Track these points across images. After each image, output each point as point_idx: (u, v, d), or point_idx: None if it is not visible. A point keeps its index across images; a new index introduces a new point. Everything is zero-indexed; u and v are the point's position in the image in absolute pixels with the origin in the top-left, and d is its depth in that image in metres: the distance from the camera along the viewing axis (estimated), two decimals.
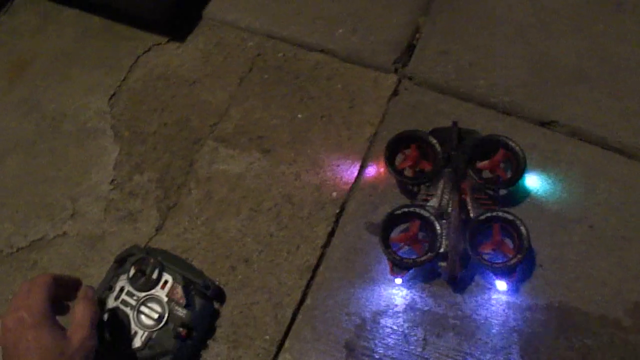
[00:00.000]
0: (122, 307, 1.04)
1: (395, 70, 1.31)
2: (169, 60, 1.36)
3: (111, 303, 1.04)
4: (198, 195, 1.20)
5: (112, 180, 1.23)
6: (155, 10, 1.36)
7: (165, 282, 1.05)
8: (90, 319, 0.92)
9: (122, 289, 1.05)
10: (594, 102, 1.24)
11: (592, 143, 1.21)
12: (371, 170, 1.20)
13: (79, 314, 0.93)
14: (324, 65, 1.32)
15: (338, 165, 1.20)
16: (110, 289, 1.05)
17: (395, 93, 1.28)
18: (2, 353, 0.86)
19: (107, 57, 1.38)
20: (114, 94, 1.33)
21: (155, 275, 1.05)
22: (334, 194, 1.18)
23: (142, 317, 1.03)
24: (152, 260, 1.06)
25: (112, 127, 1.29)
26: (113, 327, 1.02)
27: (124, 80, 1.34)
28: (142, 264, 1.06)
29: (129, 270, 1.06)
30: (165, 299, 1.03)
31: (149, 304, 1.04)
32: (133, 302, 1.04)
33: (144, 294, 1.04)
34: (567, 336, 1.05)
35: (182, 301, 1.03)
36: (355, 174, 1.19)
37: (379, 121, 1.24)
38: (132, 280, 1.05)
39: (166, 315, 1.02)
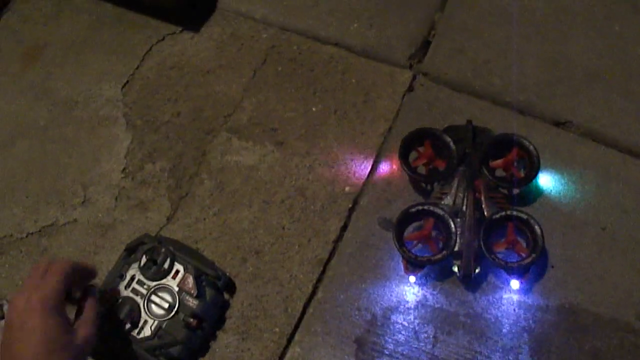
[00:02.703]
0: (132, 295, 1.04)
1: (410, 66, 1.30)
2: (182, 49, 1.36)
3: (122, 291, 1.04)
4: (210, 185, 1.20)
5: (124, 169, 1.23)
6: (170, 0, 1.36)
7: (177, 272, 1.05)
8: (96, 317, 0.93)
9: (133, 278, 1.05)
10: (608, 103, 1.24)
11: (607, 144, 1.21)
12: (385, 166, 1.19)
13: (88, 310, 0.93)
14: (338, 59, 1.32)
15: (351, 160, 1.20)
16: (122, 277, 1.05)
17: (410, 89, 1.27)
18: (5, 331, 0.86)
19: (120, 45, 1.38)
20: (127, 82, 1.32)
21: (166, 265, 1.05)
22: (347, 188, 1.17)
23: (153, 306, 1.03)
24: (163, 250, 1.05)
25: (124, 115, 1.28)
26: (123, 316, 1.02)
27: (137, 68, 1.34)
28: (153, 253, 1.06)
29: (140, 259, 1.06)
30: (176, 289, 1.03)
31: (160, 294, 1.03)
32: (144, 291, 1.04)
33: (154, 283, 1.04)
34: (577, 337, 1.05)
35: (193, 291, 1.03)
36: (369, 169, 1.19)
37: (393, 117, 1.24)
38: (143, 269, 1.05)
39: (177, 305, 1.02)
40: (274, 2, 1.39)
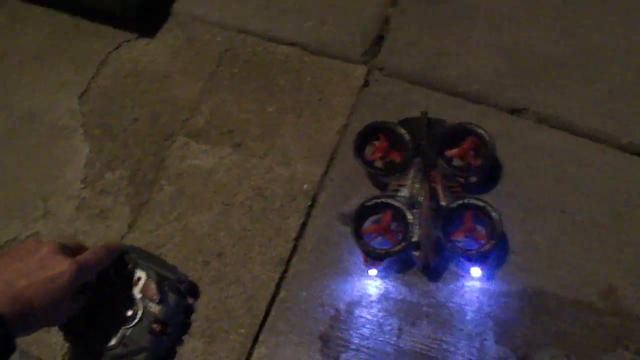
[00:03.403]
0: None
1: (365, 62, 1.31)
2: (138, 56, 1.36)
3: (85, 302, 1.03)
4: (170, 191, 1.20)
5: (84, 179, 1.22)
6: (124, 7, 1.36)
7: (139, 278, 1.04)
8: (97, 257, 0.98)
9: None
10: (564, 89, 1.25)
11: (563, 129, 1.22)
12: (341, 162, 1.20)
13: (90, 250, 0.99)
14: (293, 58, 1.32)
15: (309, 158, 1.20)
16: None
17: (365, 84, 1.28)
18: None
19: (76, 55, 1.38)
20: (84, 92, 1.32)
21: (128, 272, 1.04)
22: (305, 186, 1.18)
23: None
24: (125, 257, 1.05)
25: (82, 125, 1.28)
26: (87, 326, 1.01)
27: (93, 77, 1.34)
28: (115, 261, 1.05)
29: None
30: (139, 296, 1.03)
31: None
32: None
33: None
34: (541, 321, 1.06)
35: (156, 297, 1.03)
36: (326, 165, 1.20)
37: (349, 113, 1.24)
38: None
39: (140, 311, 1.02)
40: (227, 5, 1.40)
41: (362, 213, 1.08)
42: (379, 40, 1.33)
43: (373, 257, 1.06)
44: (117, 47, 1.37)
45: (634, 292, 1.08)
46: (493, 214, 1.05)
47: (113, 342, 1.01)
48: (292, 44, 1.34)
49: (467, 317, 1.07)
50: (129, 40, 1.38)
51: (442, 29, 1.33)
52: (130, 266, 1.05)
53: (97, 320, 1.02)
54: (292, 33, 1.34)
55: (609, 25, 1.32)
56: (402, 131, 1.13)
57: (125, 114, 1.28)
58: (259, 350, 1.06)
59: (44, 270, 0.89)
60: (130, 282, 1.04)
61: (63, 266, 0.90)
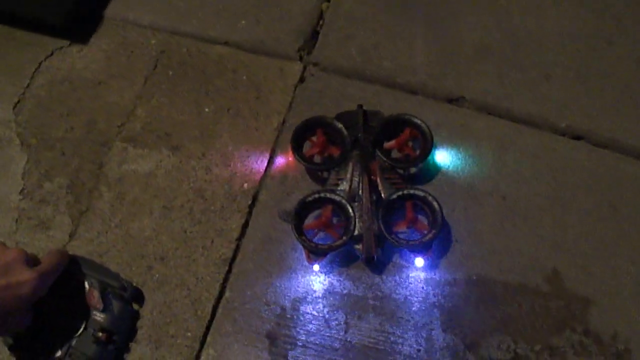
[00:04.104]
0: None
1: (301, 58, 1.31)
2: (72, 63, 1.33)
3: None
4: (109, 197, 1.18)
5: (22, 190, 1.20)
6: (55, 14, 1.34)
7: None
8: (53, 265, 0.97)
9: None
10: (500, 76, 1.26)
11: (500, 116, 1.23)
12: (281, 159, 1.20)
13: (46, 259, 0.98)
14: (228, 57, 1.31)
15: (248, 157, 1.20)
16: None
17: (301, 80, 1.28)
18: None
19: (8, 65, 1.35)
20: (18, 102, 1.30)
21: (72, 282, 1.03)
22: (245, 185, 1.17)
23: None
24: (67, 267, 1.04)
25: (18, 135, 1.25)
26: (31, 339, 1.00)
27: (27, 87, 1.31)
28: None
29: None
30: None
31: None
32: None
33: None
34: (488, 307, 1.07)
35: (100, 305, 1.01)
36: (265, 163, 1.19)
37: (286, 110, 1.24)
38: None
39: (84, 321, 1.01)
40: (161, 8, 1.38)
41: (303, 209, 1.08)
42: (314, 35, 1.33)
43: (315, 253, 1.06)
44: (50, 55, 1.35)
45: (577, 275, 1.09)
46: (434, 203, 1.06)
47: (59, 353, 0.99)
48: (226, 44, 1.33)
49: (413, 308, 1.07)
50: (61, 47, 1.36)
51: (376, 22, 1.34)
52: (73, 275, 1.03)
53: (42, 332, 1.00)
54: (226, 32, 1.34)
55: (541, 11, 1.34)
56: (339, 125, 1.13)
57: (62, 122, 1.26)
58: (207, 352, 1.06)
59: (7, 276, 0.88)
60: (74, 292, 1.02)
61: (26, 275, 0.90)
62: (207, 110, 1.25)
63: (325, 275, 1.10)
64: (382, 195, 1.08)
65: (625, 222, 1.14)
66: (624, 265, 1.10)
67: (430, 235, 1.04)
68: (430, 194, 1.06)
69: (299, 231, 1.06)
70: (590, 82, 1.26)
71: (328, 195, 1.08)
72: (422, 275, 1.09)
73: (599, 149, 1.20)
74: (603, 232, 1.13)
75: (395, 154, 1.16)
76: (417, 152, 1.14)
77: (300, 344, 1.05)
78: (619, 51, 1.29)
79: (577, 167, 1.18)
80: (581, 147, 1.20)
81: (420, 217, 1.09)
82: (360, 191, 1.08)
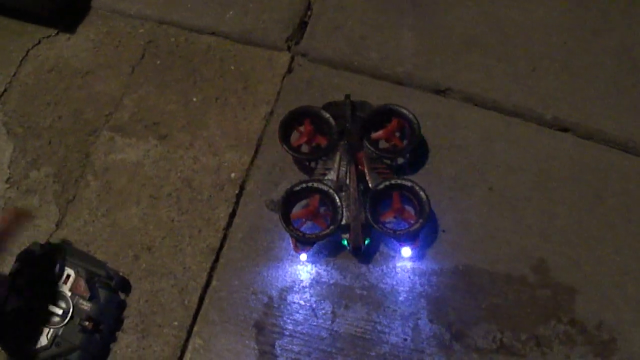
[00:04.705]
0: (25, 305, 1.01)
1: (289, 48, 1.31)
2: (60, 52, 1.33)
3: (14, 303, 1.02)
4: (96, 186, 1.18)
5: (8, 179, 1.20)
6: (42, 3, 1.33)
7: (68, 276, 1.03)
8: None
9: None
10: (486, 67, 1.27)
11: (487, 107, 1.23)
12: (268, 149, 1.19)
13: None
14: (216, 47, 1.31)
15: (235, 146, 1.20)
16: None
17: (289, 70, 1.28)
18: None
19: None
20: (4, 91, 1.29)
21: (56, 271, 1.03)
22: (233, 174, 1.17)
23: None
24: (52, 255, 1.03)
25: (4, 124, 1.25)
26: (17, 328, 1.00)
27: (14, 75, 1.31)
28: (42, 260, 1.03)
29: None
30: (69, 294, 1.02)
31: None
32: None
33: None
34: (474, 297, 1.08)
35: (86, 294, 1.01)
36: (253, 153, 1.19)
37: (274, 99, 1.25)
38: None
39: (71, 309, 1.01)
40: None
41: (290, 198, 1.08)
42: (302, 26, 1.33)
43: (303, 242, 1.06)
44: (38, 44, 1.35)
45: (563, 265, 1.10)
46: (421, 193, 1.06)
47: (45, 342, 0.99)
48: (214, 34, 1.33)
49: (400, 298, 1.08)
50: (49, 36, 1.35)
51: (364, 13, 1.34)
52: (58, 264, 1.03)
53: (27, 321, 1.00)
54: (214, 22, 1.33)
55: (527, 3, 1.34)
56: (327, 115, 1.13)
57: (49, 111, 1.26)
58: (194, 341, 1.06)
59: None
60: (59, 280, 1.02)
61: None
62: (194, 99, 1.25)
63: (313, 264, 1.10)
64: (370, 185, 1.08)
65: (610, 213, 1.14)
66: (609, 255, 1.11)
67: (417, 225, 1.04)
68: (417, 184, 1.06)
69: (287, 220, 1.06)
70: (576, 74, 1.26)
71: (315, 184, 1.08)
72: (409, 265, 1.10)
73: (585, 140, 1.21)
74: (589, 222, 1.13)
75: (382, 144, 1.16)
76: (404, 142, 1.14)
77: (288, 333, 1.05)
78: (605, 43, 1.30)
79: (564, 158, 1.18)
80: (567, 139, 1.21)
81: (407, 207, 1.10)
82: (348, 181, 1.08)
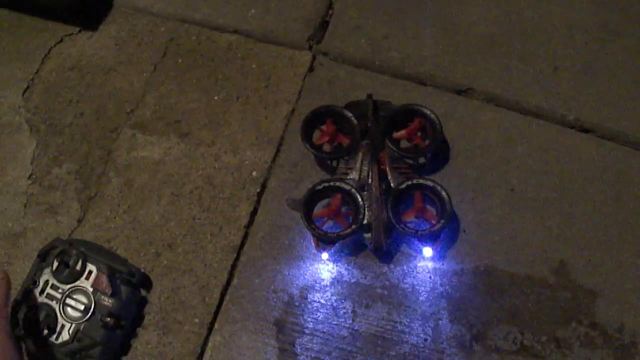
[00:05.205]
0: (47, 301, 1.02)
1: (310, 47, 1.31)
2: (81, 50, 1.34)
3: (37, 298, 1.02)
4: (118, 183, 1.19)
5: (30, 175, 1.21)
6: (65, 1, 1.34)
7: (90, 272, 1.03)
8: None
9: (46, 283, 1.03)
10: (507, 67, 1.26)
11: (508, 108, 1.23)
12: (290, 148, 1.20)
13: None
14: (238, 46, 1.31)
15: (257, 145, 1.20)
16: (35, 283, 1.03)
17: (310, 69, 1.28)
18: None
19: (18, 51, 1.35)
20: (27, 88, 1.30)
21: (78, 267, 1.03)
22: (254, 173, 1.18)
23: (69, 309, 1.01)
24: (74, 252, 1.04)
25: (27, 121, 1.26)
26: (40, 323, 1.00)
27: (37, 72, 1.31)
28: (64, 256, 1.04)
29: (52, 264, 1.04)
30: (91, 290, 1.02)
31: (75, 296, 1.02)
32: (58, 295, 1.02)
33: (68, 286, 1.03)
34: (495, 298, 1.07)
35: (108, 290, 1.02)
36: (274, 152, 1.20)
37: (295, 98, 1.25)
38: (55, 273, 1.03)
39: (92, 305, 1.01)
40: None
41: (312, 197, 1.08)
42: (324, 25, 1.33)
43: (324, 241, 1.07)
44: (60, 42, 1.35)
45: (584, 267, 1.10)
46: (442, 193, 1.06)
47: (66, 337, 1.00)
48: (236, 32, 1.33)
49: (420, 298, 1.08)
50: (71, 34, 1.36)
51: (386, 12, 1.34)
52: (81, 259, 1.03)
53: (49, 317, 1.01)
54: (236, 21, 1.34)
55: (549, 3, 1.34)
56: (349, 114, 1.14)
57: (71, 108, 1.27)
58: (214, 339, 1.06)
59: None
60: (81, 276, 1.03)
61: None
62: (216, 98, 1.26)
63: (334, 263, 1.10)
64: (391, 184, 1.08)
65: (631, 215, 1.14)
66: (630, 258, 1.10)
67: (439, 225, 1.04)
68: (439, 184, 1.06)
69: (308, 219, 1.06)
70: (598, 75, 1.26)
71: (337, 184, 1.08)
72: (430, 265, 1.10)
73: (606, 141, 1.20)
74: (610, 224, 1.13)
75: (404, 144, 1.16)
76: (426, 142, 1.14)
77: (308, 331, 1.05)
78: (627, 43, 1.29)
79: (585, 159, 1.18)
80: (589, 140, 1.21)
81: (429, 207, 1.10)
82: (370, 180, 1.08)
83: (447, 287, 1.08)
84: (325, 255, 1.09)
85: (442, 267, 1.10)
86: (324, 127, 1.16)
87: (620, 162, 1.18)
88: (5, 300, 0.93)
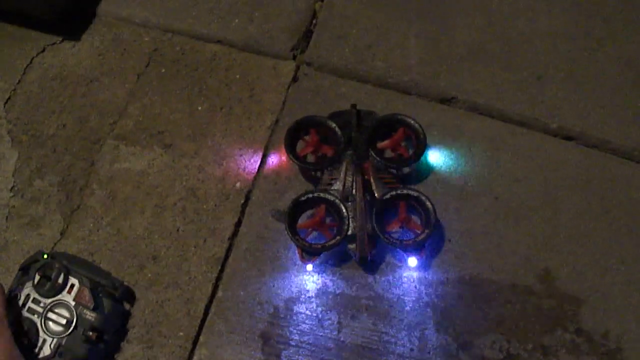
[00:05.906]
0: (28, 315, 1.01)
1: (294, 57, 1.31)
2: (64, 60, 1.33)
3: (18, 312, 1.01)
4: (101, 195, 1.18)
5: (12, 187, 1.20)
6: (47, 10, 1.33)
7: (72, 285, 1.02)
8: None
9: (27, 297, 1.02)
10: (491, 76, 1.27)
11: (492, 116, 1.23)
12: (274, 159, 1.19)
13: None
14: (221, 56, 1.31)
15: (240, 156, 1.20)
16: (16, 297, 1.02)
17: (294, 79, 1.28)
18: None
19: (0, 61, 1.34)
20: (9, 98, 1.29)
21: (60, 280, 1.02)
22: (238, 184, 1.17)
23: (50, 323, 1.00)
24: (56, 265, 1.03)
25: (9, 132, 1.25)
26: (21, 337, 0.99)
27: (18, 83, 1.30)
28: (46, 270, 1.03)
29: (33, 277, 1.03)
30: (73, 303, 1.01)
31: (57, 310, 1.01)
32: (40, 309, 1.01)
33: (50, 299, 1.01)
34: (480, 307, 1.07)
35: (90, 304, 1.01)
36: (258, 163, 1.19)
37: (279, 109, 1.24)
38: (37, 287, 1.02)
39: (75, 319, 1.00)
40: (154, 5, 1.37)
41: (296, 208, 1.08)
42: (308, 35, 1.33)
43: (309, 252, 1.06)
44: (42, 51, 1.34)
45: (569, 274, 1.10)
46: (427, 203, 1.06)
47: (48, 352, 0.99)
48: (220, 42, 1.33)
49: (406, 308, 1.07)
50: (54, 44, 1.35)
51: (369, 21, 1.33)
52: (62, 273, 1.03)
53: (29, 331, 1.00)
54: (219, 31, 1.33)
55: (532, 12, 1.34)
56: (333, 125, 1.13)
57: (53, 119, 1.26)
58: (200, 352, 1.05)
59: None
60: (63, 289, 1.02)
61: None
62: (200, 108, 1.25)
63: (319, 274, 1.10)
64: (376, 195, 1.08)
65: (616, 222, 1.14)
66: (614, 265, 1.11)
67: (423, 235, 1.04)
68: (423, 194, 1.06)
69: (293, 230, 1.06)
70: (581, 83, 1.26)
71: (321, 194, 1.08)
72: (415, 274, 1.10)
73: (590, 149, 1.21)
74: (594, 231, 1.13)
75: (388, 154, 1.16)
76: (410, 152, 1.14)
77: (294, 343, 1.05)
78: (610, 52, 1.30)
79: (569, 167, 1.18)
80: (572, 148, 1.21)
81: (413, 216, 1.10)
82: (354, 191, 1.08)
83: (432, 297, 1.08)
84: (310, 267, 1.09)
85: (427, 276, 1.10)
86: (307, 138, 1.16)
87: (604, 170, 1.18)
88: (3, 310, 0.94)
